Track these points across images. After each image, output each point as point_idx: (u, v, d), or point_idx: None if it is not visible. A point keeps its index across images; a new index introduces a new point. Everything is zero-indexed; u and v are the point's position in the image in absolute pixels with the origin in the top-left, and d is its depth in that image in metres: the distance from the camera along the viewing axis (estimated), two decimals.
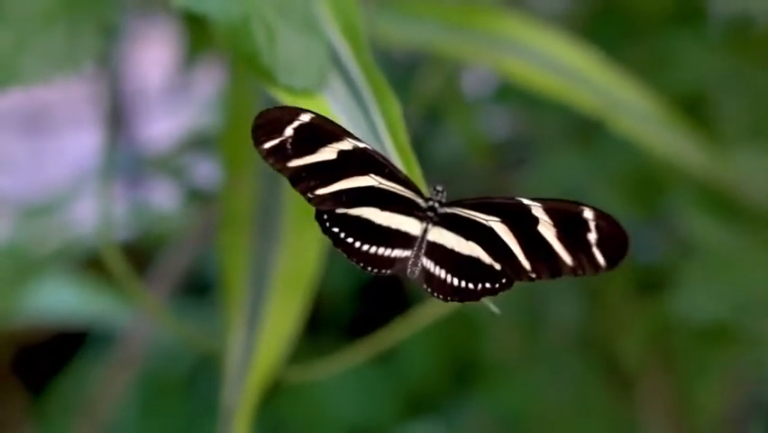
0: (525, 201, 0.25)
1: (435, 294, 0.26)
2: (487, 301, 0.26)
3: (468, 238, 0.26)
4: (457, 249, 0.26)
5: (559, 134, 0.55)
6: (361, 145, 0.26)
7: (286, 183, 0.26)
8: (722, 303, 0.49)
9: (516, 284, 0.26)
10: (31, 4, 0.30)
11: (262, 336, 0.36)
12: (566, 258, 0.25)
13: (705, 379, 0.60)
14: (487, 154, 0.60)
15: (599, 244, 0.24)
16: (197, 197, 0.56)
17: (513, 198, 0.26)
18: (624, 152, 0.51)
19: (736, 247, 0.48)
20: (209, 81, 0.62)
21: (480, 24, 0.45)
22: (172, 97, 0.64)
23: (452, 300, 0.26)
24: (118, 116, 0.78)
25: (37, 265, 0.65)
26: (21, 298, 0.68)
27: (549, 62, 0.44)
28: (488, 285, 0.25)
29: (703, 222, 0.47)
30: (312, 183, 0.26)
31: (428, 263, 0.26)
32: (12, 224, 0.68)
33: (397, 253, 0.26)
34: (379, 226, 0.26)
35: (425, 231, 0.26)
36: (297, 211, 0.37)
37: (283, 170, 0.26)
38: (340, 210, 0.26)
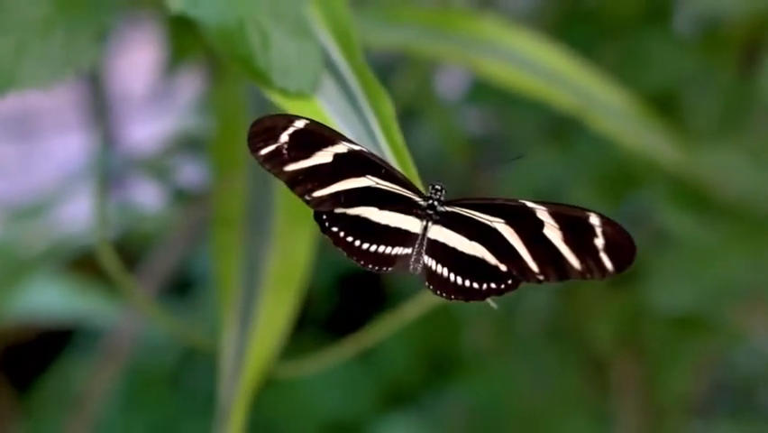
0: (530, 204, 0.25)
1: (438, 292, 0.25)
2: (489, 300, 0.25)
3: (471, 238, 0.26)
4: (460, 248, 0.26)
5: (535, 133, 0.55)
6: (357, 148, 0.26)
7: (276, 183, 0.26)
8: (694, 293, 0.49)
9: None
10: (29, 10, 0.30)
11: (255, 333, 0.35)
12: (574, 262, 0.24)
13: (675, 365, 0.60)
14: (464, 153, 0.60)
15: (607, 250, 0.24)
16: (182, 197, 0.56)
17: (516, 201, 0.25)
18: (599, 149, 0.52)
19: (708, 239, 0.48)
20: (191, 85, 0.62)
21: (458, 27, 0.45)
22: (155, 102, 0.63)
23: (456, 299, 0.25)
24: (103, 120, 0.77)
25: (26, 266, 0.64)
26: (9, 298, 0.67)
27: (526, 63, 0.44)
28: (493, 285, 0.25)
29: (677, 215, 0.48)
30: (309, 186, 0.25)
31: (430, 261, 0.26)
32: (1, 226, 0.67)
33: (398, 250, 0.26)
34: (379, 225, 0.26)
35: (426, 229, 0.26)
36: (287, 211, 0.37)
37: (280, 174, 0.25)
38: (338, 210, 0.26)
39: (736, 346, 0.66)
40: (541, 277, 0.25)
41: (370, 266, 0.26)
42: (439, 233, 0.26)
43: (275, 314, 0.36)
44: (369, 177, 0.26)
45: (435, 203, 0.26)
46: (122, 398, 0.72)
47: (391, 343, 0.74)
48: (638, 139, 0.43)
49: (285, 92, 0.28)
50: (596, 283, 0.62)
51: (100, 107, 0.74)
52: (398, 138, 0.27)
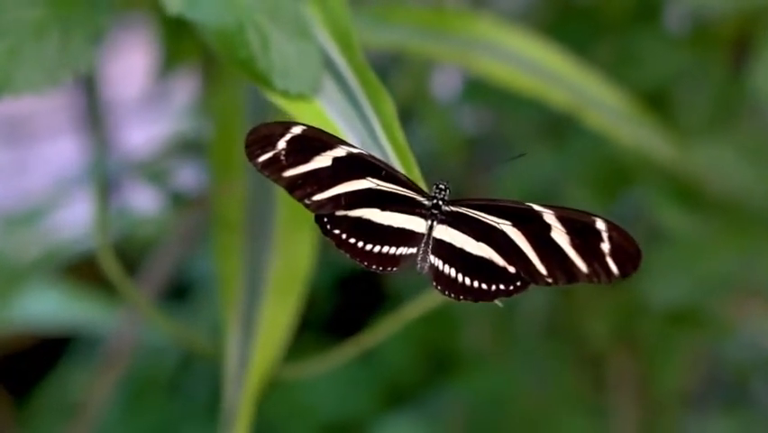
0: (537, 207, 0.25)
1: (446, 292, 0.25)
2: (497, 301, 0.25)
3: (478, 239, 0.25)
4: (467, 249, 0.25)
5: (530, 132, 0.54)
6: (356, 151, 0.25)
7: (277, 186, 0.26)
8: (687, 287, 0.49)
9: None
10: (23, 12, 0.29)
11: (259, 336, 0.35)
12: (581, 265, 0.24)
13: (670, 360, 0.60)
14: (460, 153, 0.60)
15: (613, 255, 0.24)
16: (179, 201, 0.55)
17: (523, 204, 0.25)
18: (593, 147, 0.52)
19: (701, 234, 0.48)
20: (186, 89, 0.61)
21: (453, 26, 0.44)
22: (150, 105, 0.63)
23: (464, 299, 0.25)
24: (98, 124, 0.76)
25: (21, 273, 0.64)
26: (5, 306, 0.66)
27: (521, 61, 0.44)
28: (502, 287, 0.25)
29: (670, 210, 0.48)
30: (309, 190, 0.25)
31: (436, 261, 0.25)
32: None
33: (403, 250, 0.25)
34: (381, 226, 0.26)
35: (431, 228, 0.26)
36: (288, 213, 0.36)
37: (279, 180, 0.25)
38: (339, 213, 0.25)
39: (728, 339, 0.66)
40: (549, 280, 0.25)
41: (374, 267, 0.25)
42: (445, 232, 0.26)
43: (278, 317, 0.35)
44: (369, 179, 0.25)
45: (440, 202, 0.26)
46: (120, 404, 0.71)
47: (391, 342, 0.73)
48: (632, 136, 0.43)
49: (286, 94, 0.28)
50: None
51: (95, 111, 0.74)
52: (401, 137, 0.27)
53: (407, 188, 0.26)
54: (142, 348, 0.69)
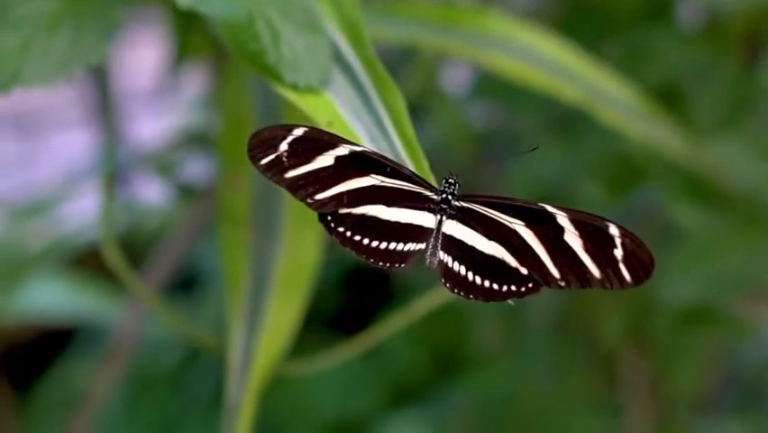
0: (550, 209, 0.25)
1: (455, 290, 0.25)
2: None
3: (490, 238, 0.25)
4: (479, 247, 0.25)
5: (540, 127, 0.55)
6: (359, 149, 0.26)
7: None
8: (700, 285, 0.49)
9: None
10: (36, 6, 0.29)
11: (263, 332, 0.35)
12: (595, 271, 0.24)
13: (683, 359, 0.60)
14: (470, 148, 0.60)
15: (626, 261, 0.24)
16: (186, 194, 0.56)
17: (537, 204, 0.25)
18: (604, 144, 0.52)
19: (714, 231, 0.48)
20: (197, 82, 0.61)
21: (464, 22, 0.45)
22: (160, 99, 0.63)
23: (474, 299, 0.25)
24: (109, 117, 0.77)
25: (26, 264, 0.64)
26: (9, 296, 0.67)
27: (532, 56, 0.44)
28: (513, 287, 0.25)
29: (682, 208, 0.48)
30: (311, 189, 0.25)
31: (446, 258, 0.25)
32: (3, 223, 0.67)
33: (411, 246, 0.26)
34: (388, 222, 0.26)
35: (440, 223, 0.26)
36: (295, 208, 0.37)
37: (281, 181, 0.25)
38: (343, 210, 0.25)
39: (743, 339, 0.66)
40: (562, 283, 0.25)
41: (381, 263, 0.26)
42: (455, 228, 0.26)
43: (283, 313, 0.36)
44: (373, 176, 0.26)
45: (449, 197, 0.26)
46: (124, 397, 0.72)
47: (397, 340, 0.73)
48: (644, 132, 0.43)
49: (295, 87, 0.28)
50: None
51: (106, 104, 0.74)
52: (410, 131, 0.27)
53: (414, 184, 0.26)
54: (147, 342, 0.70)
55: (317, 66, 0.29)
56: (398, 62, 0.58)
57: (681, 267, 0.48)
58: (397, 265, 0.26)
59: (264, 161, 0.25)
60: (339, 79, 0.29)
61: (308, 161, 0.25)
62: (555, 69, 0.43)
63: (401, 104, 0.28)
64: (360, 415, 0.72)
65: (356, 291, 0.78)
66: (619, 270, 0.24)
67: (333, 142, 0.26)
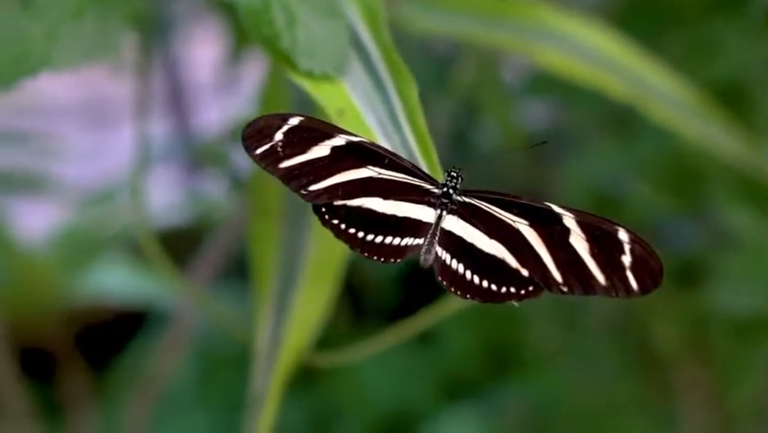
0: (557, 209, 0.23)
1: (452, 289, 0.23)
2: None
3: (491, 236, 0.23)
4: (479, 245, 0.23)
5: (596, 125, 0.52)
6: (356, 139, 0.24)
7: None
8: (759, 296, 0.45)
9: None
10: None
11: (291, 322, 0.34)
12: (599, 276, 0.22)
13: (743, 369, 0.56)
14: (524, 145, 0.58)
15: (633, 269, 0.22)
16: (237, 184, 0.55)
17: (542, 203, 0.23)
18: (662, 143, 0.48)
19: None
20: (256, 75, 0.61)
21: (515, 14, 0.42)
22: (222, 91, 0.63)
23: (470, 299, 0.23)
24: (175, 108, 0.77)
25: (97, 248, 0.65)
26: (83, 278, 0.67)
27: (584, 51, 0.41)
28: (513, 290, 0.23)
29: (742, 214, 0.44)
30: (305, 180, 0.24)
31: (444, 254, 0.23)
32: (75, 210, 0.68)
33: (408, 241, 0.24)
34: (384, 215, 0.24)
35: (440, 218, 0.24)
36: None
37: (275, 171, 0.24)
38: (338, 202, 0.24)
39: None
40: (565, 289, 0.23)
41: (376, 258, 0.24)
42: (456, 224, 0.24)
43: (312, 304, 0.34)
44: (370, 167, 0.24)
45: (450, 190, 0.24)
46: (192, 379, 0.72)
47: (453, 335, 0.72)
48: (699, 131, 0.40)
49: (309, 74, 0.27)
50: (663, 284, 0.59)
51: (173, 96, 0.74)
52: (422, 122, 0.25)
53: (414, 176, 0.24)
54: (213, 325, 0.69)
55: (334, 52, 0.27)
56: (456, 55, 0.56)
57: (737, 276, 0.44)
58: (392, 260, 0.24)
59: (259, 151, 0.24)
60: (356, 67, 0.27)
61: (303, 151, 0.24)
62: (603, 63, 0.41)
63: (414, 94, 0.26)
64: (412, 407, 0.70)
65: (415, 286, 0.76)
66: (626, 277, 0.22)
67: (330, 131, 0.24)
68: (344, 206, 0.24)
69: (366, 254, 0.24)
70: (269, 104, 0.38)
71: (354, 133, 0.24)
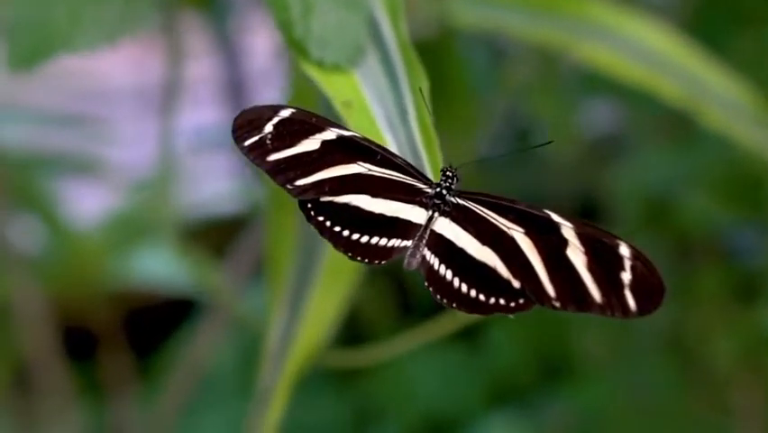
0: (555, 218, 0.21)
1: (438, 296, 0.22)
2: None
3: (483, 242, 0.22)
4: (469, 251, 0.22)
5: (651, 128, 0.49)
6: (348, 133, 0.23)
7: None
8: None
9: None
10: None
11: (305, 319, 0.33)
12: (595, 294, 0.21)
13: None
14: (579, 147, 0.55)
15: (633, 288, 0.20)
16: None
17: (541, 210, 0.22)
18: (719, 148, 0.46)
19: None
20: None
21: (566, 10, 0.40)
22: (278, 80, 0.63)
23: (457, 309, 0.22)
24: (233, 96, 0.78)
25: (145, 233, 0.66)
26: (132, 262, 0.68)
27: (637, 50, 0.39)
28: (502, 301, 0.22)
29: None
30: (291, 174, 0.23)
31: (432, 258, 0.22)
32: (126, 194, 0.69)
33: (395, 242, 0.22)
34: (372, 214, 0.23)
35: (431, 219, 0.22)
36: None
37: (262, 164, 0.23)
38: (325, 198, 0.23)
39: None
40: (557, 304, 0.21)
41: (360, 258, 0.23)
42: (447, 227, 0.22)
43: (327, 301, 0.33)
44: (360, 163, 0.23)
45: (444, 191, 0.22)
46: (228, 369, 0.72)
47: (502, 340, 0.70)
48: (755, 138, 0.37)
49: (320, 64, 0.26)
50: (719, 294, 0.56)
51: (231, 83, 0.75)
52: (428, 118, 0.24)
53: (407, 174, 0.23)
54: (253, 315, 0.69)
55: (348, 44, 0.26)
56: (510, 51, 0.54)
57: None
58: (377, 261, 0.23)
59: (247, 143, 0.23)
60: (372, 61, 0.26)
61: (293, 145, 0.23)
62: (658, 63, 0.38)
63: (426, 90, 0.24)
64: (456, 410, 0.69)
65: None
66: (624, 296, 0.20)
67: (321, 125, 0.23)
68: (331, 202, 0.23)
69: (350, 254, 0.23)
70: (295, 95, 0.37)
71: (347, 127, 0.23)
